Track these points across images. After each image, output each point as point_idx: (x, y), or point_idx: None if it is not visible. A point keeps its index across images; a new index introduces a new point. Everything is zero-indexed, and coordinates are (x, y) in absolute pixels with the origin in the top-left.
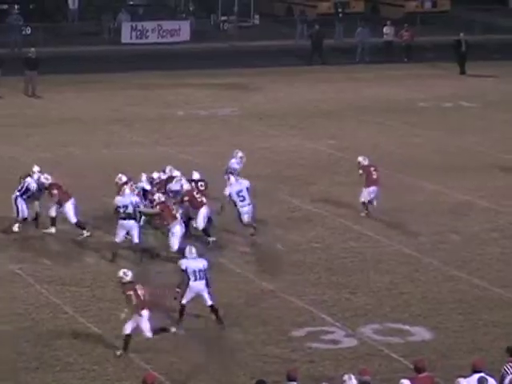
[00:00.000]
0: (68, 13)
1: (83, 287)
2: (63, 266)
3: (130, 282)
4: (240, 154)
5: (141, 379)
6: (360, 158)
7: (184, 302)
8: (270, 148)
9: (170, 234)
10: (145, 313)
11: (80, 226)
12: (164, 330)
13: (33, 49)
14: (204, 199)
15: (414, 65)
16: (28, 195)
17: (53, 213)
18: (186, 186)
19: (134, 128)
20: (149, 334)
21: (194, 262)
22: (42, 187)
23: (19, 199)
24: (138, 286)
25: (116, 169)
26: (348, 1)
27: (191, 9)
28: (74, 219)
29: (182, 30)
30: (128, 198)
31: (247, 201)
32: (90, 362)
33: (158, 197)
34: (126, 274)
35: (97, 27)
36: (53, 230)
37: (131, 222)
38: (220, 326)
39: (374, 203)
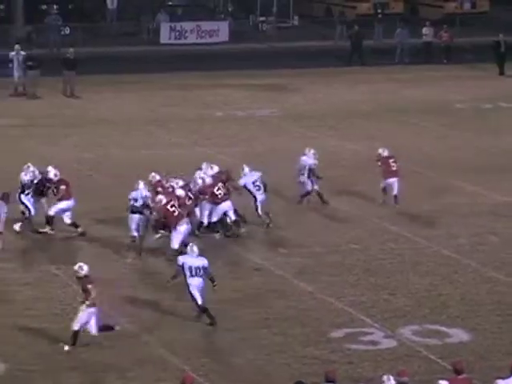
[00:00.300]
0: (107, 13)
1: (119, 287)
2: (99, 266)
3: (85, 276)
4: (313, 150)
5: (180, 380)
6: (380, 150)
7: (200, 302)
8: None
9: (174, 232)
10: (94, 309)
11: (48, 220)
12: (110, 328)
13: (71, 49)
14: (227, 194)
15: (453, 66)
16: (29, 191)
17: (67, 219)
18: (208, 181)
19: (172, 128)
20: (94, 330)
21: (192, 259)
22: (44, 182)
23: (23, 197)
24: (91, 281)
25: (154, 169)
26: (387, 2)
27: (230, 9)
28: (50, 212)
29: (221, 30)
30: (139, 191)
31: (262, 190)
32: (128, 362)
33: (160, 199)
34: (82, 268)
35: (135, 27)
36: (79, 229)
37: (138, 216)
38: (212, 325)
39: (396, 197)
